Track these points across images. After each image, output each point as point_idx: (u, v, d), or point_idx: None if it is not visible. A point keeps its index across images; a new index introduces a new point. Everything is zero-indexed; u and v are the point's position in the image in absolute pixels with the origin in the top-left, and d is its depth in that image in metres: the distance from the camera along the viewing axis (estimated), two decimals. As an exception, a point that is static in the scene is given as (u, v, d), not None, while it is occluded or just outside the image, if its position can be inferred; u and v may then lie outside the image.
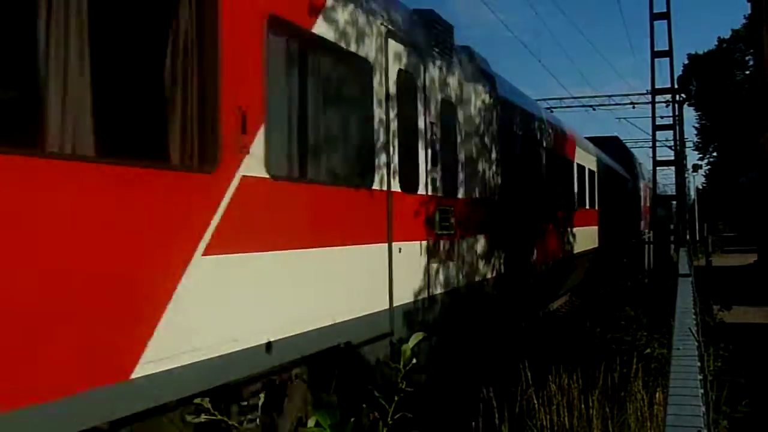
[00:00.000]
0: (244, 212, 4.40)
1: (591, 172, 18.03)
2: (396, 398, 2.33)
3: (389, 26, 6.60)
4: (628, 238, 24.79)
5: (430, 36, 7.66)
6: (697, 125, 52.81)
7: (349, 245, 5.73)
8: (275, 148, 4.79)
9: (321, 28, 5.42)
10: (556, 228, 14.02)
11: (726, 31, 65.40)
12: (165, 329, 3.71)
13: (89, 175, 3.41)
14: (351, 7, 5.85)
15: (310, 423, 2.20)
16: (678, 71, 37.11)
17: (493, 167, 9.71)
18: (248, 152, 4.44)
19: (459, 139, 8.36)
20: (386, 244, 6.36)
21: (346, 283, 5.70)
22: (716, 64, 43.93)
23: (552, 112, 29.59)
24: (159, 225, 3.78)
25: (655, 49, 18.21)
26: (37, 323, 3.07)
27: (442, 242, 7.69)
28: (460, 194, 8.39)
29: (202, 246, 4.03)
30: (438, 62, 7.74)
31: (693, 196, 40.71)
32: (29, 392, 3.00)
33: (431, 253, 7.38)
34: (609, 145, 25.48)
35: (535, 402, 5.41)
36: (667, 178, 45.54)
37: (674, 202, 21.21)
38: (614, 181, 23.04)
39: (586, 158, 17.49)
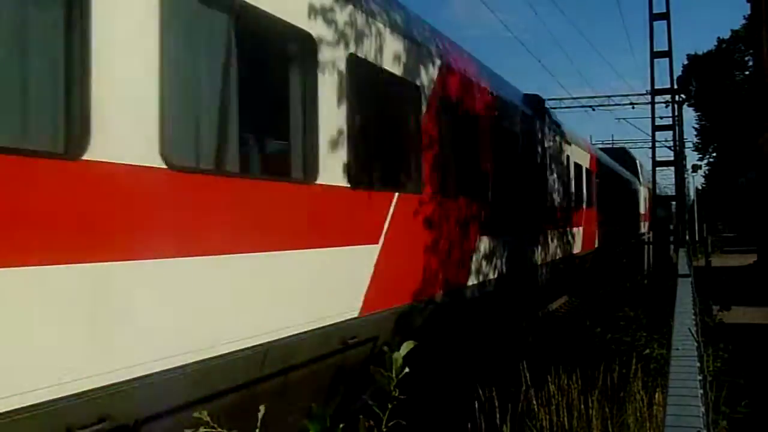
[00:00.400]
0: (489, 216, 9.53)
1: (605, 179, 22.11)
2: (390, 405, 2.34)
3: (524, 110, 12.14)
4: (629, 238, 25.28)
5: (535, 110, 12.95)
6: (696, 126, 52.80)
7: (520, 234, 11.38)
8: (496, 190, 9.98)
9: (503, 122, 10.68)
10: (588, 227, 18.63)
11: (726, 31, 65.49)
12: (472, 270, 8.91)
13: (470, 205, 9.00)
14: (512, 105, 11.44)
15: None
16: (677, 71, 37.16)
17: (560, 184, 14.66)
18: (491, 186, 9.81)
19: (548, 171, 13.69)
20: (535, 234, 12.30)
21: (512, 253, 10.83)
22: (716, 64, 43.90)
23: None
24: (476, 222, 9.06)
25: (655, 50, 18.12)
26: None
27: (550, 233, 13.71)
28: (547, 205, 13.61)
29: (479, 231, 9.13)
30: (538, 125, 12.99)
31: (692, 197, 40.68)
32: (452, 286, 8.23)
33: (542, 240, 13.14)
34: (618, 155, 32.68)
35: (535, 402, 5.42)
36: (666, 178, 45.65)
37: (674, 203, 21.13)
38: (623, 189, 27.59)
39: (605, 169, 22.34)
